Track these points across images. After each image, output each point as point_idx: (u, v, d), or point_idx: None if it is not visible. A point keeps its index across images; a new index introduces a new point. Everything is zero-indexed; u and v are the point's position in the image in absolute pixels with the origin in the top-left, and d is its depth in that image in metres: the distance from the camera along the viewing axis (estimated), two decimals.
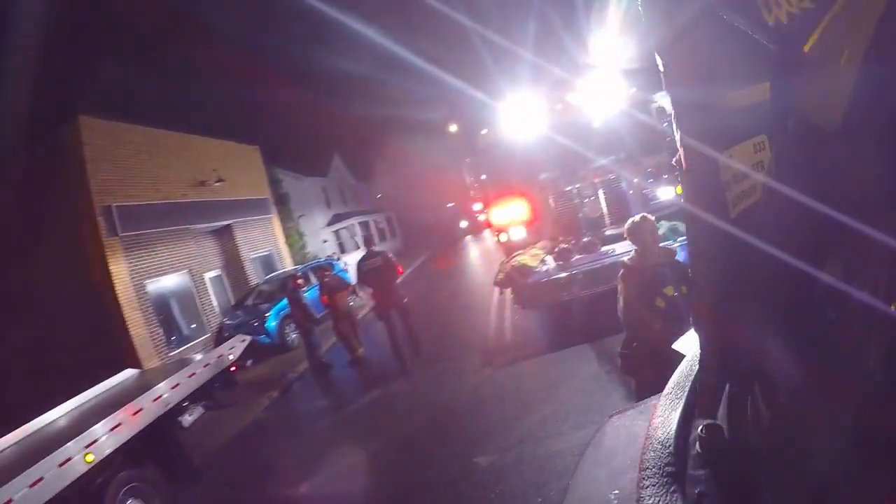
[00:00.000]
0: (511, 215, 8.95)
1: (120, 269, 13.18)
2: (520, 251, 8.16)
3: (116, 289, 12.91)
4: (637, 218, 3.82)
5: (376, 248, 9.76)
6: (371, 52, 25.08)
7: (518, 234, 8.87)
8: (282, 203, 22.82)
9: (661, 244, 4.09)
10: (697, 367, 1.55)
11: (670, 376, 1.68)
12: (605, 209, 8.23)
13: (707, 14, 1.01)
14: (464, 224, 41.26)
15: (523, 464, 4.66)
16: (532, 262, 7.60)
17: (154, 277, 14.38)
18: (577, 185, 8.32)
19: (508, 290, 8.10)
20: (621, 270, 3.84)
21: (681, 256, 3.91)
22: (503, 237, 9.20)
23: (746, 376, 1.24)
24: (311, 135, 33.06)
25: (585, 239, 7.68)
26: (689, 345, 2.04)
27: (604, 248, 7.38)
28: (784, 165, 1.02)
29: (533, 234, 8.71)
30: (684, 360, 1.81)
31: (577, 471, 1.80)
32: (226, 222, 17.94)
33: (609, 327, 5.33)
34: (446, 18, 10.98)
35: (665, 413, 1.57)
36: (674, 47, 1.11)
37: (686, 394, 1.58)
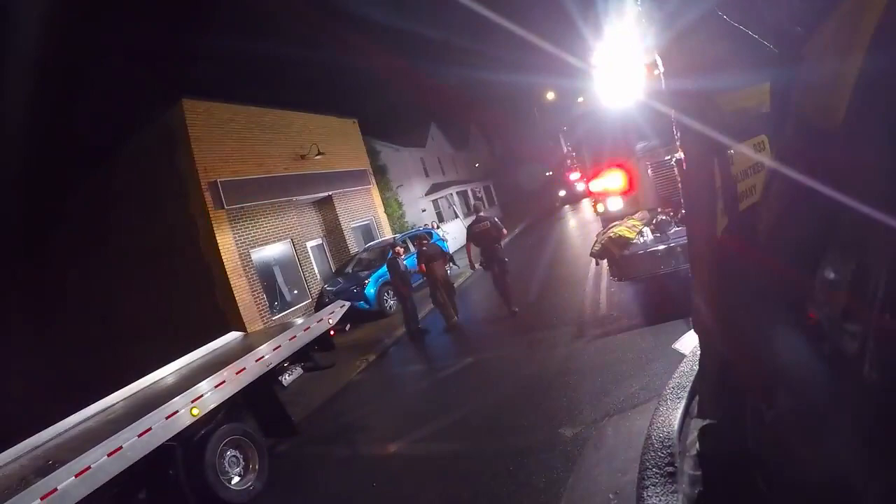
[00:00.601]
0: (609, 185, 8.60)
1: (226, 240, 14.05)
2: (617, 222, 7.83)
3: (223, 258, 13.79)
4: None
5: (483, 213, 10.62)
6: (468, 19, 24.81)
7: (616, 204, 8.51)
8: (380, 174, 23.24)
9: None
10: (697, 367, 1.55)
11: None
12: None
13: (708, 15, 1.01)
14: (562, 193, 40.37)
15: (608, 437, 4.50)
16: (629, 234, 7.26)
17: (258, 246, 15.20)
18: (677, 155, 7.80)
19: (605, 262, 7.82)
20: None
21: None
22: (601, 207, 8.87)
23: (746, 377, 1.21)
24: (408, 106, 33.36)
25: (685, 211, 7.25)
26: (689, 345, 2.05)
27: None
28: (784, 165, 0.99)
29: (631, 205, 8.33)
30: (684, 360, 1.82)
31: (577, 471, 1.84)
32: (326, 193, 18.50)
33: None
34: None
35: (665, 413, 1.59)
36: (674, 48, 1.12)
37: (686, 394, 1.61)
